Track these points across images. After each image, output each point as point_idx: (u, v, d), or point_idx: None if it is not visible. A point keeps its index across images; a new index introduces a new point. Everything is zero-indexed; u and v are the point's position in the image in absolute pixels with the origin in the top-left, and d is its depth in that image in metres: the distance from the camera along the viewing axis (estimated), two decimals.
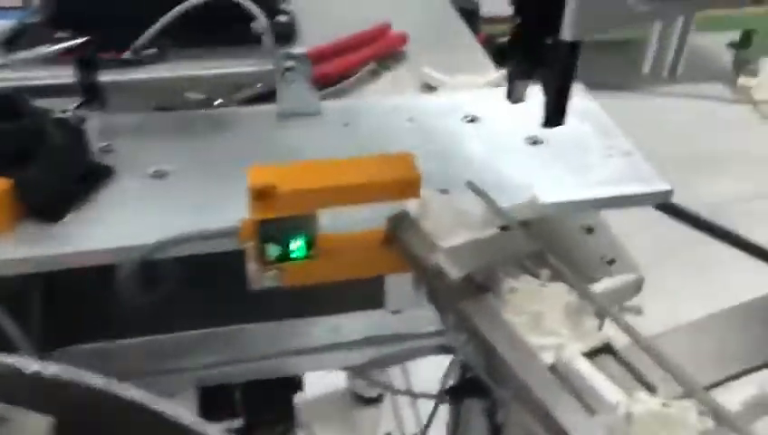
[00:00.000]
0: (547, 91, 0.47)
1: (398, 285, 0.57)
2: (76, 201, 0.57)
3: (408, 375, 1.45)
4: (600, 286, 0.43)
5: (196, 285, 0.64)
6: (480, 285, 0.45)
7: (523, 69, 0.49)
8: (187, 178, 0.61)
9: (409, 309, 0.60)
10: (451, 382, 0.78)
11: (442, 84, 0.87)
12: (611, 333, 0.42)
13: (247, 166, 0.61)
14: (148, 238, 0.53)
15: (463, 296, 0.43)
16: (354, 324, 0.63)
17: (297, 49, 0.72)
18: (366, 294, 0.61)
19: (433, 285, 0.47)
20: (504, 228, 0.48)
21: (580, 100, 0.73)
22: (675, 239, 1.98)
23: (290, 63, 0.67)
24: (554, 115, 0.47)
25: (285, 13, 0.96)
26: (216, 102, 0.77)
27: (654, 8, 0.45)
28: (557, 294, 0.41)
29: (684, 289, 1.89)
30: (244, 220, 0.50)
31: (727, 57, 2.90)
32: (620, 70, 2.74)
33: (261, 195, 0.49)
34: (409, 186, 0.50)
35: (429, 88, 0.90)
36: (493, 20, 1.46)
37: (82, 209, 0.57)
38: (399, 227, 0.51)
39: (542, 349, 0.40)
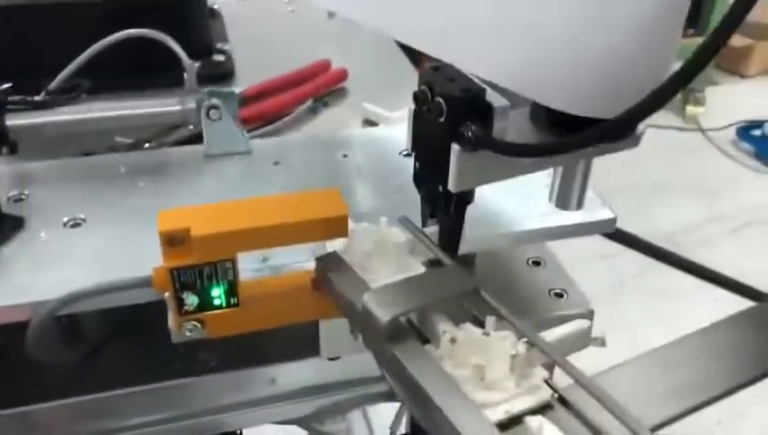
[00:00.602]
0: (441, 230, 0.50)
1: (333, 330, 0.53)
2: None
3: (370, 420, 1.40)
4: (550, 335, 0.40)
5: (123, 340, 0.60)
6: (418, 331, 0.41)
7: (427, 210, 0.53)
8: (104, 226, 0.57)
9: (347, 355, 0.56)
10: (402, 431, 0.74)
11: (383, 120, 0.85)
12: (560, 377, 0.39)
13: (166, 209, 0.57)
14: (61, 292, 0.49)
15: (397, 343, 0.40)
16: (294, 374, 0.59)
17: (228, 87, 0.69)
18: (306, 341, 0.57)
19: (365, 330, 0.43)
20: (435, 264, 0.45)
21: None
22: (630, 268, 2.00)
23: (214, 101, 0.64)
24: (447, 249, 0.49)
25: (222, 52, 0.94)
26: (146, 146, 0.74)
27: (535, 162, 0.47)
28: (502, 344, 0.38)
29: (642, 318, 1.89)
30: (157, 268, 0.46)
31: None
32: None
33: (173, 240, 0.45)
34: (337, 224, 0.47)
35: (371, 124, 0.88)
36: None
37: None
38: (328, 267, 0.47)
39: (487, 406, 0.36)
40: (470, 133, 0.44)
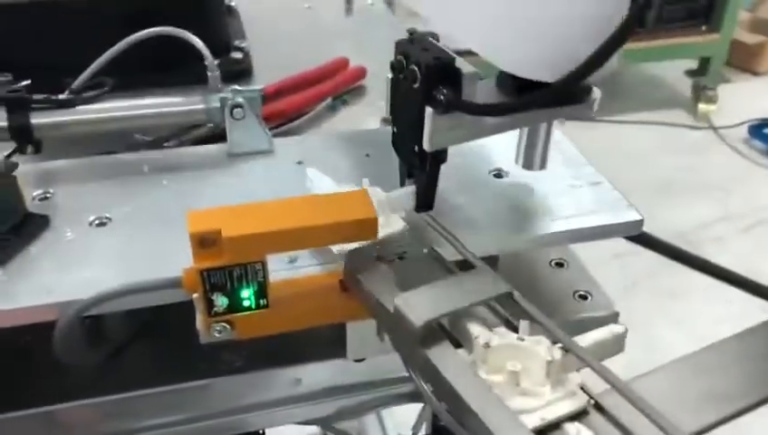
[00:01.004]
0: (418, 187, 0.55)
1: (360, 331, 0.53)
2: (6, 255, 0.52)
3: (383, 420, 1.40)
4: (585, 340, 0.39)
5: (147, 340, 0.60)
6: (449, 334, 0.41)
7: (404, 169, 0.58)
8: (130, 225, 0.56)
9: (373, 357, 0.56)
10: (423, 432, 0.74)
11: None
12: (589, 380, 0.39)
13: (195, 209, 0.57)
14: (88, 292, 0.49)
15: (430, 347, 0.40)
16: (317, 375, 0.59)
17: (246, 85, 0.69)
18: (329, 342, 0.57)
19: (396, 332, 0.43)
20: (464, 267, 0.45)
21: None
22: (642, 267, 1.99)
23: (238, 100, 0.64)
24: (423, 205, 0.55)
25: (240, 50, 0.93)
26: (165, 144, 0.73)
27: (502, 121, 0.52)
28: (538, 350, 0.38)
29: (656, 318, 1.88)
30: (187, 269, 0.46)
31: (685, 84, 2.95)
32: None
33: (204, 242, 0.45)
34: (366, 226, 0.47)
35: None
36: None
37: (14, 263, 0.52)
38: (357, 268, 0.47)
39: (524, 412, 0.36)
40: (442, 97, 0.48)
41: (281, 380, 0.59)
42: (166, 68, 0.79)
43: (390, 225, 0.52)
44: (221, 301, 0.47)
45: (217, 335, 0.48)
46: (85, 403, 0.56)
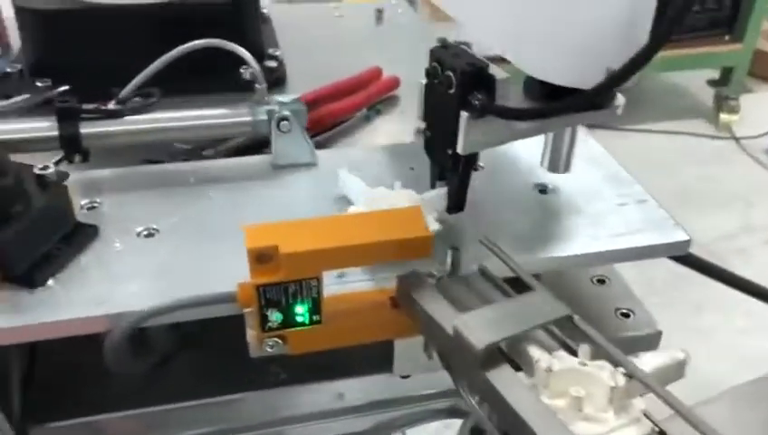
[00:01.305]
0: (450, 189, 0.57)
1: (408, 348, 0.53)
2: (58, 265, 0.52)
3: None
4: (647, 364, 0.39)
5: (190, 351, 0.60)
6: (508, 357, 0.41)
7: (436, 171, 0.59)
8: (177, 237, 0.57)
9: (419, 373, 0.56)
10: None
11: None
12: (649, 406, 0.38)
13: (242, 222, 0.57)
14: (138, 304, 0.49)
15: (490, 370, 0.40)
16: (359, 389, 0.59)
17: (286, 96, 0.69)
18: (373, 357, 0.57)
19: (453, 354, 0.43)
20: (517, 287, 0.45)
21: (586, 145, 0.70)
22: (662, 277, 1.97)
23: (285, 113, 0.64)
24: (454, 207, 0.57)
25: (274, 58, 0.94)
26: (204, 152, 0.74)
27: (535, 126, 0.53)
28: (601, 375, 0.37)
29: (676, 329, 1.86)
30: (242, 284, 0.46)
31: (708, 94, 2.93)
32: None
33: (260, 257, 0.45)
34: (421, 244, 0.47)
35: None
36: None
37: (65, 273, 0.52)
38: (411, 287, 0.47)
39: None
40: (477, 102, 0.50)
41: (324, 393, 0.59)
42: (202, 74, 0.79)
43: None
44: (275, 316, 0.47)
45: (269, 350, 0.48)
46: (128, 414, 0.56)
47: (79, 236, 0.55)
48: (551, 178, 0.64)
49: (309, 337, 0.48)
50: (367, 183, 0.60)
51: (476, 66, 0.51)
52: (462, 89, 0.51)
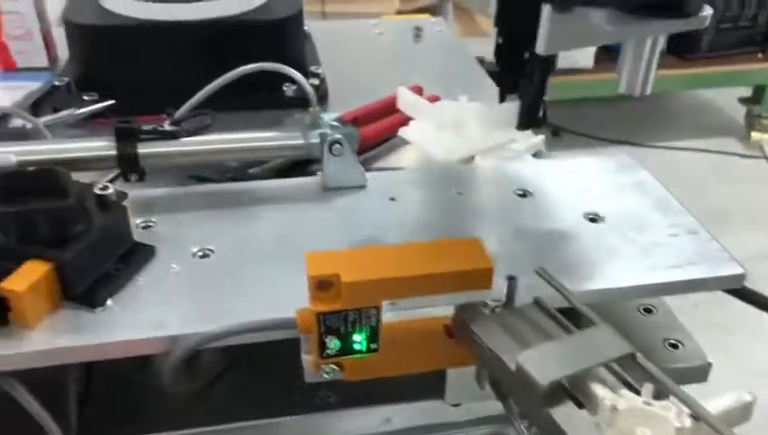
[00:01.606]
0: (523, 100, 0.54)
1: (460, 376, 0.53)
2: (118, 285, 0.53)
3: None
4: (715, 406, 0.39)
5: (236, 372, 0.60)
6: (570, 394, 0.41)
7: (507, 81, 0.56)
8: (232, 258, 0.57)
9: (469, 402, 0.56)
10: None
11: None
12: None
13: (294, 244, 0.58)
14: (195, 326, 0.50)
15: (553, 406, 0.40)
16: (407, 415, 0.59)
17: (331, 114, 0.69)
18: (421, 383, 0.57)
19: (511, 387, 0.43)
20: (575, 316, 0.45)
21: (633, 172, 0.70)
22: (691, 298, 1.95)
23: (337, 136, 0.64)
24: (527, 120, 0.54)
25: (316, 75, 0.94)
26: (250, 170, 0.74)
27: (618, 29, 0.51)
28: (667, 416, 0.37)
29: (707, 352, 1.84)
30: (302, 311, 0.47)
31: (739, 112, 2.90)
32: (629, 125, 2.74)
33: (322, 285, 0.46)
34: (481, 276, 0.47)
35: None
36: None
37: (124, 293, 0.53)
38: (469, 317, 0.47)
39: None
40: None
41: (371, 418, 0.59)
42: (246, 91, 0.80)
43: (491, 138, 0.54)
44: (334, 343, 0.47)
45: (326, 376, 0.49)
46: (179, 434, 0.57)
47: (136, 255, 0.56)
48: (600, 207, 0.64)
49: (365, 365, 0.48)
50: (417, 211, 0.60)
51: None
52: None
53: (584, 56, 2.29)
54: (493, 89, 1.00)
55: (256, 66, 0.66)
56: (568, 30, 0.50)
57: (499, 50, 0.56)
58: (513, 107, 0.54)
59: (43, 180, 0.54)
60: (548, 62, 0.52)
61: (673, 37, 2.48)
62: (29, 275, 0.49)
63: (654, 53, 0.55)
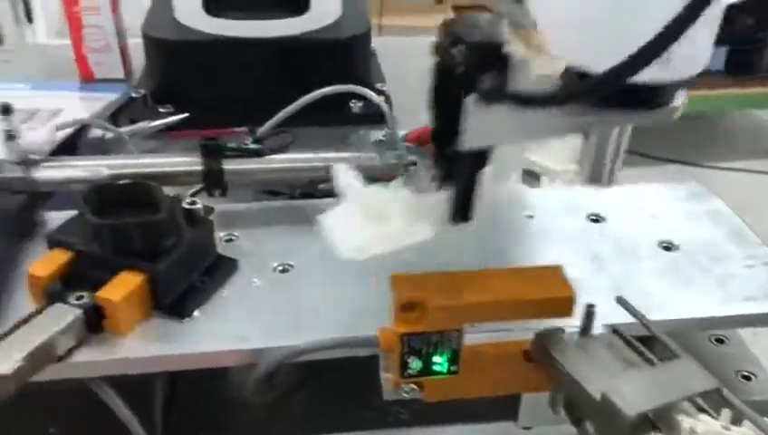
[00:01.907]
0: (455, 192, 0.49)
1: (535, 400, 0.54)
2: (204, 297, 0.55)
3: None
4: None
5: (310, 388, 0.62)
6: (654, 424, 0.41)
7: (442, 168, 0.51)
8: (311, 273, 0.59)
9: (543, 426, 0.57)
10: None
11: (547, 172, 0.85)
12: None
13: (370, 261, 0.59)
14: (278, 340, 0.51)
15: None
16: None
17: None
18: (494, 404, 0.58)
19: (594, 416, 0.44)
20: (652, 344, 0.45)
21: (705, 200, 0.70)
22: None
23: (413, 158, 0.66)
24: (457, 215, 0.50)
25: (381, 93, 0.96)
26: (320, 186, 0.76)
27: (567, 121, 0.45)
28: None
29: None
30: (385, 330, 0.48)
31: None
32: (684, 144, 2.70)
33: (406, 306, 0.47)
34: (562, 304, 0.48)
35: (531, 175, 0.88)
36: None
37: (209, 305, 0.55)
38: (549, 343, 0.48)
39: None
40: (485, 84, 0.42)
41: None
42: (315, 108, 0.82)
43: (413, 234, 0.50)
44: (415, 364, 0.48)
45: (405, 395, 0.50)
46: None
47: (221, 268, 0.58)
48: (674, 235, 0.64)
49: (445, 386, 0.49)
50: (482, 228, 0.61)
51: (489, 42, 0.42)
52: (469, 68, 0.42)
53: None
54: None
55: (336, 88, 0.68)
56: (494, 122, 0.44)
57: (434, 134, 0.51)
58: (443, 197, 0.50)
59: (135, 193, 0.57)
60: (479, 157, 0.47)
61: (729, 56, 2.45)
62: (124, 286, 0.51)
63: (621, 142, 0.51)
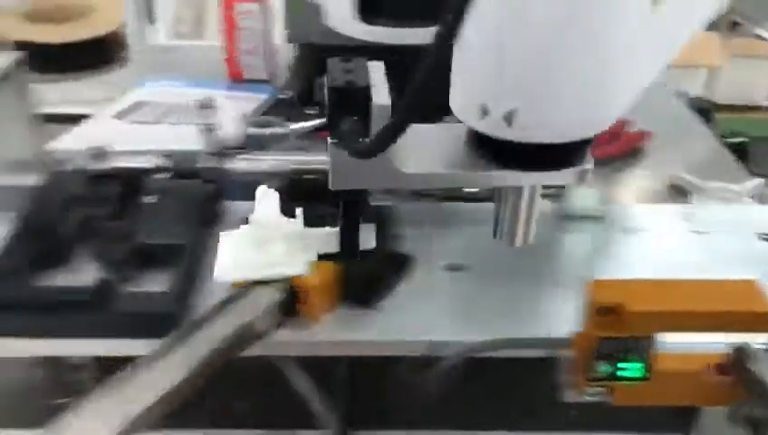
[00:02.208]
0: (341, 234, 0.52)
1: (712, 414, 0.54)
2: (387, 290, 0.58)
3: None
4: None
5: (475, 384, 0.63)
6: None
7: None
8: (480, 273, 0.61)
9: None
10: None
11: (695, 189, 0.84)
12: None
13: (537, 264, 0.61)
14: (462, 334, 0.53)
15: None
16: None
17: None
18: (661, 415, 0.58)
19: None
20: None
21: None
22: None
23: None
24: (346, 251, 0.52)
25: None
26: (465, 189, 0.77)
27: (429, 176, 0.47)
28: None
29: None
30: (580, 334, 0.49)
31: None
32: None
33: (602, 311, 0.48)
34: (760, 319, 0.48)
35: (678, 190, 0.88)
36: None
37: (390, 298, 0.58)
38: (748, 360, 0.48)
39: None
40: (343, 127, 0.42)
41: None
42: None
43: (292, 265, 0.51)
44: (604, 368, 0.49)
45: (588, 398, 0.51)
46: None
47: (401, 263, 0.60)
48: None
49: (634, 391, 0.50)
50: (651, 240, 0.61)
51: (355, 85, 0.43)
52: (333, 110, 0.43)
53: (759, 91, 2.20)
54: (699, 128, 1.00)
55: None
56: (360, 166, 0.44)
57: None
58: (331, 231, 0.52)
59: (321, 188, 0.60)
60: (352, 200, 0.48)
61: None
62: (322, 273, 0.54)
63: (534, 199, 0.49)
